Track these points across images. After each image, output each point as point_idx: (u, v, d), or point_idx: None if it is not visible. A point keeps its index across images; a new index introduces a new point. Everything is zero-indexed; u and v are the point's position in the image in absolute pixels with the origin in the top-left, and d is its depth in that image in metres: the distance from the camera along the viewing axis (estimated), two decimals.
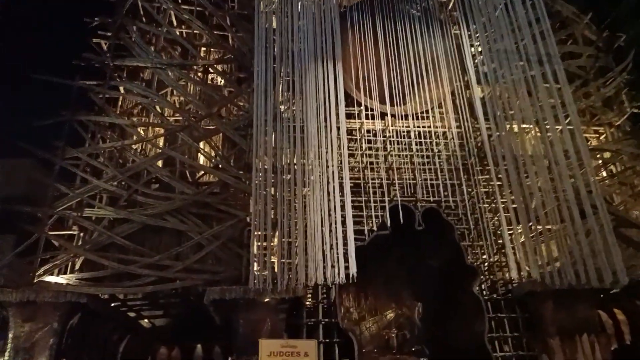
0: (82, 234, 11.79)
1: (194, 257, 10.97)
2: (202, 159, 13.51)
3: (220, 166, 12.44)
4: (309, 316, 11.52)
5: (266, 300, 10.95)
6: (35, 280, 10.94)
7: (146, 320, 15.59)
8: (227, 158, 12.55)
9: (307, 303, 11.42)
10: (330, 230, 10.61)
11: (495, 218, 12.30)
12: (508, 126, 11.69)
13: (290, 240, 10.66)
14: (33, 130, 12.55)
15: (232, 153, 13.11)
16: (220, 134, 13.50)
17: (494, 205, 12.36)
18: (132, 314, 13.80)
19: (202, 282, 10.97)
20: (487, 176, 12.87)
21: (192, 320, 15.67)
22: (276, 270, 10.55)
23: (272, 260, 10.72)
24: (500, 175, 11.54)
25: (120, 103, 13.90)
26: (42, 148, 12.42)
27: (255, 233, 10.56)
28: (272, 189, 11.11)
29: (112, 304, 12.12)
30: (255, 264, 10.30)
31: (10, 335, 10.55)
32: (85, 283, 10.73)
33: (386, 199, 11.98)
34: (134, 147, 12.49)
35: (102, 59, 13.50)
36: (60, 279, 11.11)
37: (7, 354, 10.45)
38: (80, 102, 13.18)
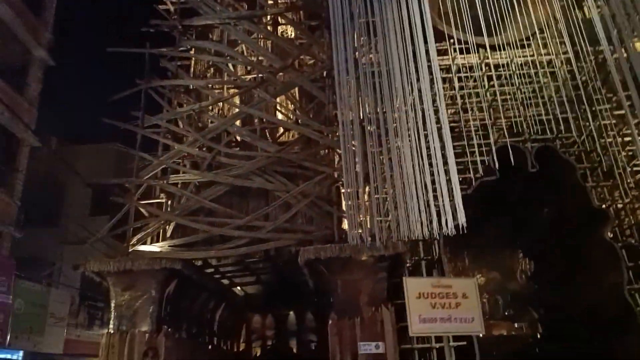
0: (169, 202, 11.53)
1: (283, 217, 10.30)
2: (279, 117, 12.74)
3: (300, 121, 11.58)
4: (412, 274, 10.56)
5: (364, 258, 10.12)
6: (130, 250, 10.84)
7: (238, 288, 15.46)
8: (307, 112, 11.64)
9: (407, 261, 10.44)
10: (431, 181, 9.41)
11: (625, 152, 10.42)
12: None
13: (386, 193, 9.59)
14: (111, 105, 12.42)
15: (310, 107, 12.19)
16: (296, 89, 12.60)
17: (622, 139, 10.49)
18: (225, 282, 13.61)
19: (294, 243, 10.30)
20: (608, 106, 10.93)
21: (283, 287, 15.31)
22: (370, 226, 9.62)
23: (367, 216, 9.77)
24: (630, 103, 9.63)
25: (192, 68, 13.41)
26: (122, 120, 12.25)
27: (345, 190, 9.62)
28: (360, 141, 10.05)
29: (206, 271, 11.86)
30: (350, 220, 9.39)
31: (112, 304, 10.60)
32: (178, 249, 10.45)
33: (491, 140, 10.50)
34: (211, 108, 11.95)
35: (170, 23, 12.99)
36: (153, 248, 10.94)
37: (111, 322, 10.52)
38: (153, 70, 12.83)
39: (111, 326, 10.43)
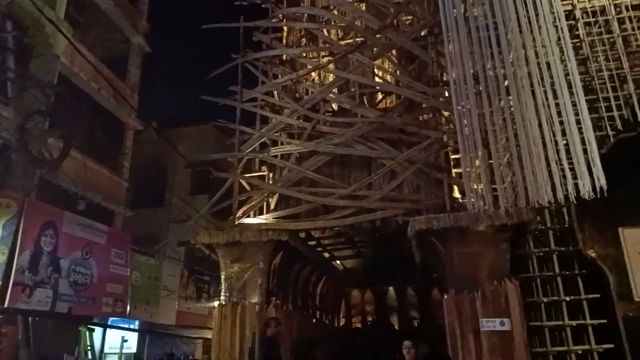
0: (270, 174, 11.40)
1: (390, 185, 9.73)
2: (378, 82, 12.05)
3: (401, 84, 10.84)
4: (537, 246, 9.58)
5: (482, 228, 9.29)
6: (236, 223, 10.89)
7: (338, 262, 15.24)
8: (408, 74, 10.85)
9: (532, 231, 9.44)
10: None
11: None
12: None
13: (509, 154, 8.63)
14: (208, 84, 12.52)
15: (412, 69, 11.36)
16: (394, 51, 11.81)
17: None
18: (326, 255, 13.40)
19: (402, 212, 9.71)
20: None
21: (384, 261, 14.83)
22: (490, 192, 8.73)
23: (486, 181, 8.89)
24: None
25: (285, 40, 13.09)
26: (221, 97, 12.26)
27: (462, 154, 8.78)
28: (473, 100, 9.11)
29: (309, 244, 11.67)
30: (468, 186, 8.58)
31: (223, 276, 10.76)
32: (283, 221, 10.30)
33: (631, 89, 9.09)
34: (307, 77, 11.58)
35: None
36: (258, 220, 10.90)
37: (222, 293, 10.69)
38: (249, 44, 12.69)
39: (222, 297, 10.60)
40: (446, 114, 10.85)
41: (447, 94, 10.85)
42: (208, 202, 22.43)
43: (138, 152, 19.50)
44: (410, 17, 12.01)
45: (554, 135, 8.29)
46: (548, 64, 8.65)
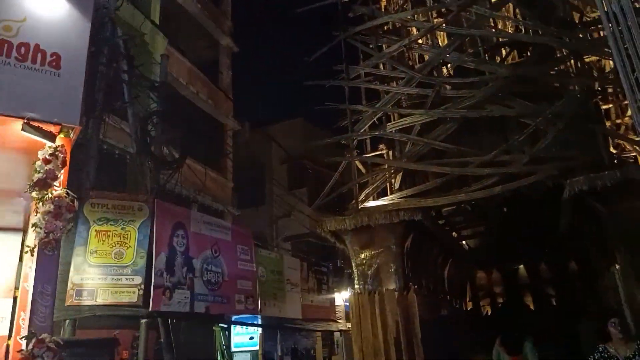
0: (389, 152, 10.62)
1: (539, 144, 8.53)
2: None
3: (531, 31, 9.55)
4: None
5: None
6: (359, 207, 10.25)
7: (464, 242, 14.14)
8: (535, 19, 9.51)
9: None
10: None
11: None
12: None
13: None
14: (308, 67, 11.99)
15: (539, 13, 10.00)
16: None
17: None
18: (454, 234, 12.39)
19: (556, 173, 8.47)
20: None
21: (512, 238, 13.48)
22: None
23: None
24: None
25: (384, 10, 12.21)
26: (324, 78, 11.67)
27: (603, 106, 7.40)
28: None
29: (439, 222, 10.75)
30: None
31: (353, 264, 10.18)
32: (413, 200, 9.47)
33: None
34: (418, 43, 10.62)
35: None
36: (382, 202, 10.17)
37: (355, 282, 10.11)
38: (346, 21, 11.99)
39: (357, 286, 10.02)
40: (590, 59, 9.44)
41: (588, 37, 9.45)
42: (307, 195, 22.29)
43: (235, 153, 19.67)
44: None
45: None
46: None
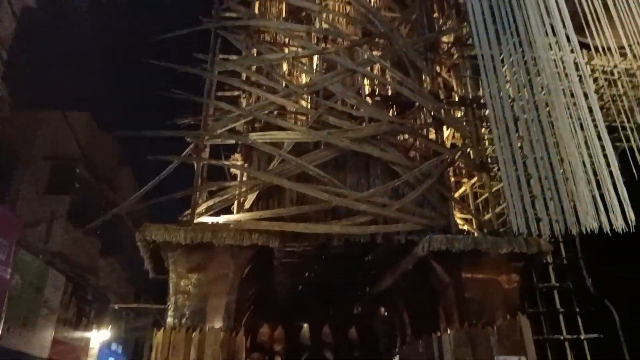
0: (247, 165, 9.10)
1: (410, 195, 8.40)
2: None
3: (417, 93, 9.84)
4: (541, 280, 9.15)
5: (502, 253, 8.47)
6: (195, 221, 8.23)
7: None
8: (417, 83, 9.94)
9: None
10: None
11: None
12: None
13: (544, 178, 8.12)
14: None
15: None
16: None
17: None
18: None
19: (420, 228, 8.43)
20: None
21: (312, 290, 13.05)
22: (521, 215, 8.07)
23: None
24: None
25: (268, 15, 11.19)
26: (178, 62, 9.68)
27: (505, 176, 8.03)
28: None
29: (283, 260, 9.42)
30: (512, 206, 7.79)
31: (172, 289, 7.88)
32: (269, 224, 8.05)
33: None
34: (303, 60, 9.82)
35: None
36: (226, 219, 8.42)
37: (169, 314, 7.77)
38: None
39: (170, 319, 7.69)
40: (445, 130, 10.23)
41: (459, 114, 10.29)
42: (69, 206, 17.83)
43: None
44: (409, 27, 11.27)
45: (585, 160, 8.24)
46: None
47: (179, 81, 9.81)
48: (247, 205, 8.69)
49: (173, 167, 9.16)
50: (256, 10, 11.06)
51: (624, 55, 10.12)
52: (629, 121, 9.47)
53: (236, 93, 11.29)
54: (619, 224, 7.82)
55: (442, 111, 9.55)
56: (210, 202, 8.47)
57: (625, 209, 8.01)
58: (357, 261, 10.67)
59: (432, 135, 9.75)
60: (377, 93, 10.16)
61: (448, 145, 10.27)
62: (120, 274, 18.30)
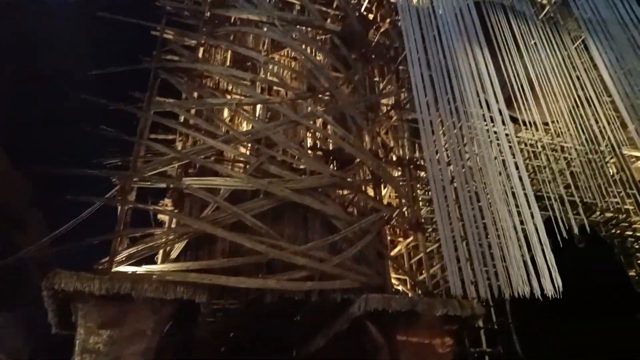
0: (177, 211, 8.48)
1: (350, 251, 8.16)
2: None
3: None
4: (473, 344, 9.05)
5: (432, 317, 8.33)
6: (112, 269, 7.41)
7: None
8: (360, 139, 10.03)
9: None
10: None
11: None
12: None
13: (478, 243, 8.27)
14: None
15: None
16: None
17: None
18: None
19: (357, 286, 8.14)
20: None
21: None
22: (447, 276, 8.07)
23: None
24: None
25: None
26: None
27: (442, 237, 8.09)
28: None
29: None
30: (451, 268, 7.80)
31: (77, 350, 6.86)
32: (197, 276, 7.40)
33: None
34: (246, 108, 9.61)
35: (195, 7, 10.76)
36: (147, 269, 7.67)
37: None
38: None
39: None
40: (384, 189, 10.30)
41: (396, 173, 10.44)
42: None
43: None
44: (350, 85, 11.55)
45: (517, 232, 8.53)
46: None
47: (112, 120, 9.22)
48: (173, 254, 7.99)
49: (94, 209, 8.40)
50: (200, 56, 10.89)
51: (547, 130, 10.99)
52: (552, 192, 10.10)
53: (170, 137, 10.85)
54: (549, 289, 8.08)
55: (381, 169, 9.60)
56: (133, 250, 7.68)
57: (553, 275, 8.35)
58: (287, 320, 10.08)
59: (371, 192, 9.75)
60: (318, 147, 10.07)
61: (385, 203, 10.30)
62: (13, 330, 16.14)
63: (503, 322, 9.11)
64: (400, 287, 9.82)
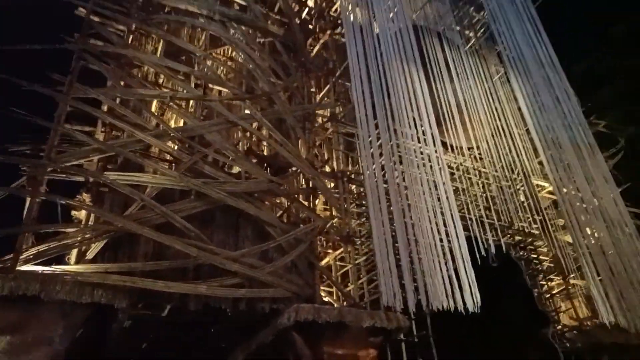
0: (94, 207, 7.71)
1: (284, 259, 7.93)
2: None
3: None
4: (395, 357, 9.13)
5: (359, 329, 8.34)
6: (16, 268, 6.54)
7: None
8: (295, 146, 9.90)
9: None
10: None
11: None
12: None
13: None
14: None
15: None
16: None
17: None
18: None
19: (288, 295, 7.93)
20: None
21: None
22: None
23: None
24: None
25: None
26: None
27: (377, 250, 8.16)
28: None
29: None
30: (384, 281, 7.86)
31: None
32: (119, 278, 6.75)
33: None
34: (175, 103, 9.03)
35: None
36: (59, 269, 6.88)
37: None
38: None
39: None
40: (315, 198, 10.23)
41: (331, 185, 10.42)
42: None
43: None
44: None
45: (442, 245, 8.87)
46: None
47: (27, 103, 8.22)
48: (90, 255, 7.23)
49: None
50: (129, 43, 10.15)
51: (471, 154, 11.67)
52: (472, 213, 10.69)
53: (87, 129, 9.94)
54: (470, 304, 8.47)
55: (317, 180, 9.54)
56: (43, 247, 6.82)
57: (472, 290, 8.78)
58: (206, 332, 9.57)
59: (305, 202, 9.63)
60: (253, 151, 9.78)
61: None
62: None
63: (424, 336, 9.38)
64: (327, 299, 9.74)
